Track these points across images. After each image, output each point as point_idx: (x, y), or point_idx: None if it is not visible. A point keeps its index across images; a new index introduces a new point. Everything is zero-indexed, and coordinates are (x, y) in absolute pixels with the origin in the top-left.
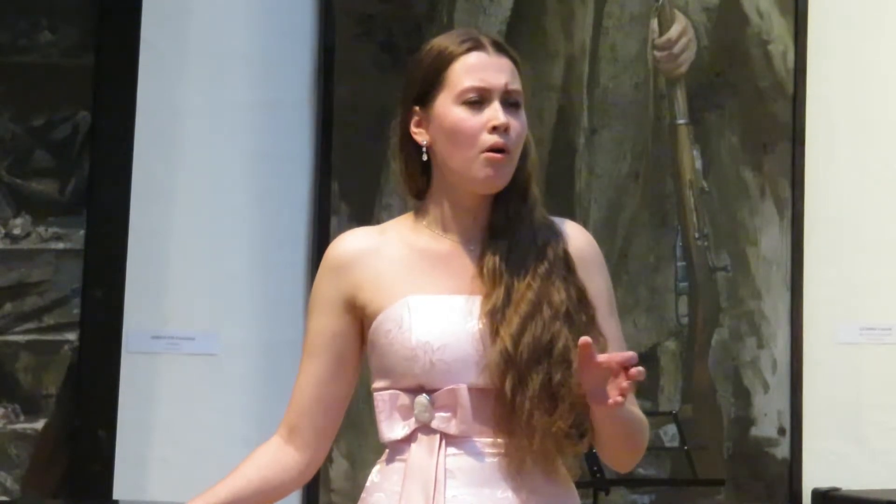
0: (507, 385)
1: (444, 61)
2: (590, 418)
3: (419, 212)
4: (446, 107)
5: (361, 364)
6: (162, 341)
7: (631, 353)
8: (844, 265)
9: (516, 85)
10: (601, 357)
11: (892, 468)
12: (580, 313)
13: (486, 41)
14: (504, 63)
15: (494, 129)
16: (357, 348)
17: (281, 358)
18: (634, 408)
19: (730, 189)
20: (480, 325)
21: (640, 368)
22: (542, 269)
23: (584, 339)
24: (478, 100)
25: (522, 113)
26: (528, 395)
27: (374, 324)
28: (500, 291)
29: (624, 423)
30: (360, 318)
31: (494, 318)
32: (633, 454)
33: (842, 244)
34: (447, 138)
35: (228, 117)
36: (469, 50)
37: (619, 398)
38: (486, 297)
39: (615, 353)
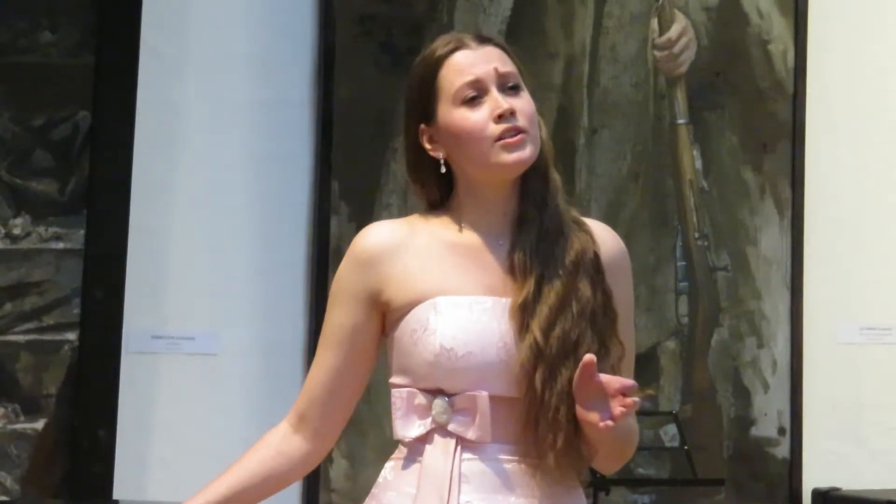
0: (537, 379)
1: (431, 72)
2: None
3: (446, 210)
4: (448, 113)
5: (378, 356)
6: (162, 341)
7: (631, 382)
8: (844, 265)
9: (508, 67)
10: (603, 376)
11: (892, 468)
12: (604, 316)
13: (466, 38)
14: (490, 51)
15: (500, 118)
16: (376, 342)
17: (281, 358)
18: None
19: (730, 189)
20: (509, 326)
21: (637, 399)
22: (569, 261)
23: (589, 356)
24: (475, 95)
25: (525, 93)
26: (556, 390)
27: (401, 322)
28: (531, 284)
29: (618, 441)
30: (382, 313)
31: (525, 311)
32: (619, 462)
33: (842, 244)
34: (459, 143)
35: (228, 117)
36: (452, 52)
37: (610, 422)
38: (516, 291)
39: (616, 377)
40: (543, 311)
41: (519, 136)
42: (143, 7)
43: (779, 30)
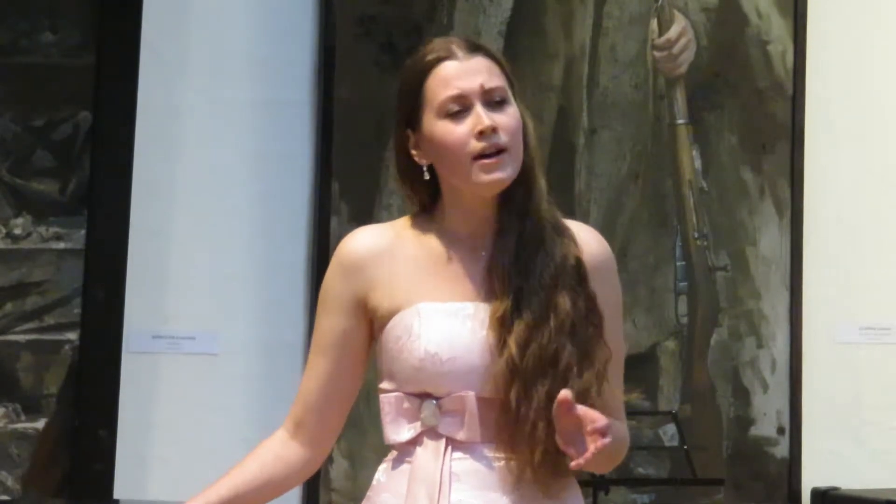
0: (513, 395)
1: (418, 79)
2: None
3: (431, 214)
4: (432, 124)
5: (369, 360)
6: (162, 341)
7: (605, 423)
8: (844, 265)
9: (495, 82)
10: (580, 409)
11: (892, 468)
12: (586, 326)
13: (455, 47)
14: (478, 63)
15: (481, 135)
16: (366, 346)
17: (281, 358)
18: (618, 427)
19: (729, 189)
20: (489, 335)
21: (606, 441)
22: (548, 274)
23: (564, 394)
24: (459, 109)
25: (511, 107)
26: (532, 406)
27: (386, 328)
28: (508, 299)
29: (606, 452)
30: (370, 318)
31: (503, 326)
32: (606, 469)
33: (841, 244)
34: (440, 155)
35: (229, 117)
36: (439, 61)
37: (582, 460)
38: (495, 304)
39: (592, 415)
40: (520, 327)
41: (498, 157)
42: (144, 7)
43: (778, 30)
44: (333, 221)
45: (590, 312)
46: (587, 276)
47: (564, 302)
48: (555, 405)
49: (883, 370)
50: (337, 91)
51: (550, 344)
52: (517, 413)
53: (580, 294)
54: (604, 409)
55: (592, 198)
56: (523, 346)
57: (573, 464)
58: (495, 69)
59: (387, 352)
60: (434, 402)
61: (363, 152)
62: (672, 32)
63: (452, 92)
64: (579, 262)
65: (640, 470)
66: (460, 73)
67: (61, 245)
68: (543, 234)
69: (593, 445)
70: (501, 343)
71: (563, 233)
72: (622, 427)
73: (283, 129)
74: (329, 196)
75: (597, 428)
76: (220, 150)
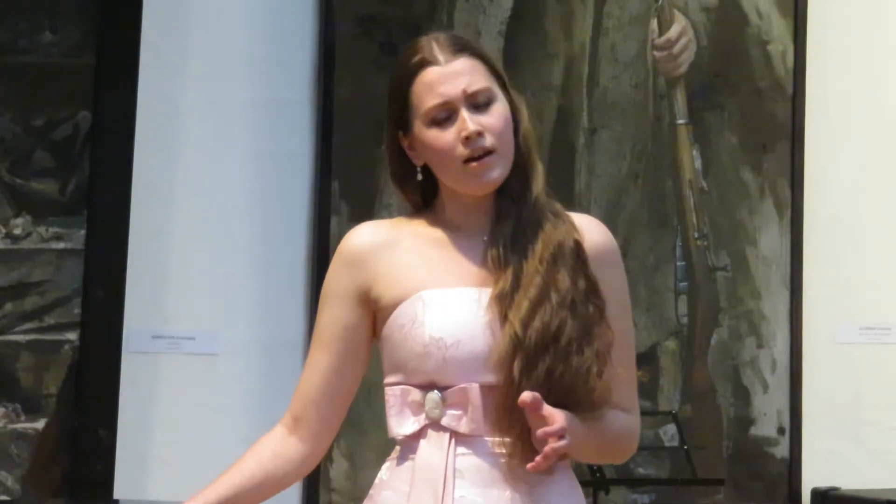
0: (515, 370)
1: (404, 84)
2: None
3: (430, 210)
4: (421, 131)
5: (370, 356)
6: (162, 341)
7: (557, 427)
8: (844, 265)
9: (478, 84)
10: (545, 410)
11: (892, 468)
12: (586, 304)
13: (437, 50)
14: (460, 65)
15: (467, 140)
16: (367, 341)
17: (281, 358)
18: (617, 418)
19: (729, 189)
20: (490, 314)
21: (562, 444)
22: (547, 254)
23: (526, 395)
24: (445, 115)
25: (497, 106)
26: (532, 382)
27: (389, 318)
28: (508, 275)
29: (590, 447)
30: (372, 311)
31: (503, 302)
32: (612, 460)
33: (841, 244)
34: (431, 160)
35: (229, 117)
36: (422, 66)
37: (534, 462)
38: (495, 282)
39: (553, 417)
40: (523, 303)
41: (486, 159)
42: (144, 7)
43: (778, 30)
44: (333, 221)
45: (590, 292)
46: (587, 259)
47: (564, 279)
48: (520, 403)
49: (883, 370)
50: (337, 91)
51: (553, 319)
52: (519, 386)
53: (580, 274)
54: (607, 395)
55: (592, 198)
56: (527, 321)
57: (529, 466)
58: (479, 67)
59: (391, 342)
60: (438, 393)
61: (363, 152)
62: (672, 32)
63: (437, 100)
64: (578, 245)
65: (641, 470)
66: (443, 78)
67: (61, 245)
68: (541, 216)
69: (547, 448)
70: (502, 319)
71: (563, 217)
72: (627, 419)
73: (283, 129)
74: (329, 196)
75: (548, 431)
76: (220, 150)
